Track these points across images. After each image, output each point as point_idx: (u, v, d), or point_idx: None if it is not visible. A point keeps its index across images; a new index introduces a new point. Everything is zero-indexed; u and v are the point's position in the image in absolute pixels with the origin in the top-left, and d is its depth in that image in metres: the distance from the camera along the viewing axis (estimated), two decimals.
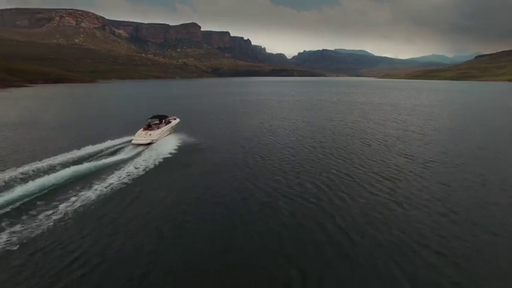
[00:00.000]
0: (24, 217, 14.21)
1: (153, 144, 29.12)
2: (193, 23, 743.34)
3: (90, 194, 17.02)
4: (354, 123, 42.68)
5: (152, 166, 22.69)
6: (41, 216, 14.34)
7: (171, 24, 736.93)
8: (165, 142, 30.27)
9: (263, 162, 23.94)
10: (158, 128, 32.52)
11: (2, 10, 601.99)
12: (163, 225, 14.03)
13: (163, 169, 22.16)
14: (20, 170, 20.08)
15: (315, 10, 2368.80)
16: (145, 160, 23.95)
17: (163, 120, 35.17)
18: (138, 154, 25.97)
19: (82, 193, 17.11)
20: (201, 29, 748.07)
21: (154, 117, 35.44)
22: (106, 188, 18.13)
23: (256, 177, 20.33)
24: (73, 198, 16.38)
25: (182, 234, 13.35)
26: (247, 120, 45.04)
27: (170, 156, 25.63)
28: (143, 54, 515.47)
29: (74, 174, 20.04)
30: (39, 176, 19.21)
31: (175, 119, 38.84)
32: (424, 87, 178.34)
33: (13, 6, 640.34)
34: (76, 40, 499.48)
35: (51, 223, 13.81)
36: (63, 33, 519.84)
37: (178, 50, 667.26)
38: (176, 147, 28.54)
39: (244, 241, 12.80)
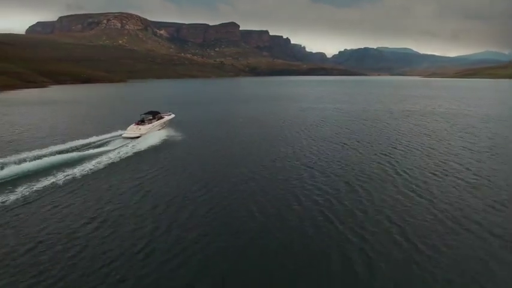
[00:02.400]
0: (22, 187, 18.95)
1: (139, 138, 31.71)
2: (232, 22, 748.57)
3: (76, 173, 21.67)
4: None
5: (126, 156, 26.13)
6: (37, 187, 19.17)
7: (211, 24, 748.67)
8: (151, 136, 32.89)
9: (233, 167, 23.24)
10: (149, 123, 35.20)
11: (61, 17, 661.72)
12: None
13: (134, 159, 25.66)
14: (27, 154, 24.93)
15: (355, 7, 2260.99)
16: (124, 151, 27.39)
17: (156, 116, 37.68)
18: (123, 146, 29.20)
19: (70, 172, 21.66)
20: (241, 28, 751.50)
21: (148, 113, 37.77)
22: (86, 170, 22.38)
23: (217, 182, 20.14)
24: (60, 175, 21.01)
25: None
26: (240, 131, 39.38)
27: (148, 148, 29.01)
28: (182, 54, 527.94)
29: (67, 160, 24.41)
30: (39, 158, 23.79)
31: (169, 115, 41.22)
32: (480, 87, 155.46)
33: (70, 13, 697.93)
34: (120, 41, 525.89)
35: (43, 191, 18.57)
36: (109, 35, 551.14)
37: (217, 49, 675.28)
38: (159, 141, 31.68)
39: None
